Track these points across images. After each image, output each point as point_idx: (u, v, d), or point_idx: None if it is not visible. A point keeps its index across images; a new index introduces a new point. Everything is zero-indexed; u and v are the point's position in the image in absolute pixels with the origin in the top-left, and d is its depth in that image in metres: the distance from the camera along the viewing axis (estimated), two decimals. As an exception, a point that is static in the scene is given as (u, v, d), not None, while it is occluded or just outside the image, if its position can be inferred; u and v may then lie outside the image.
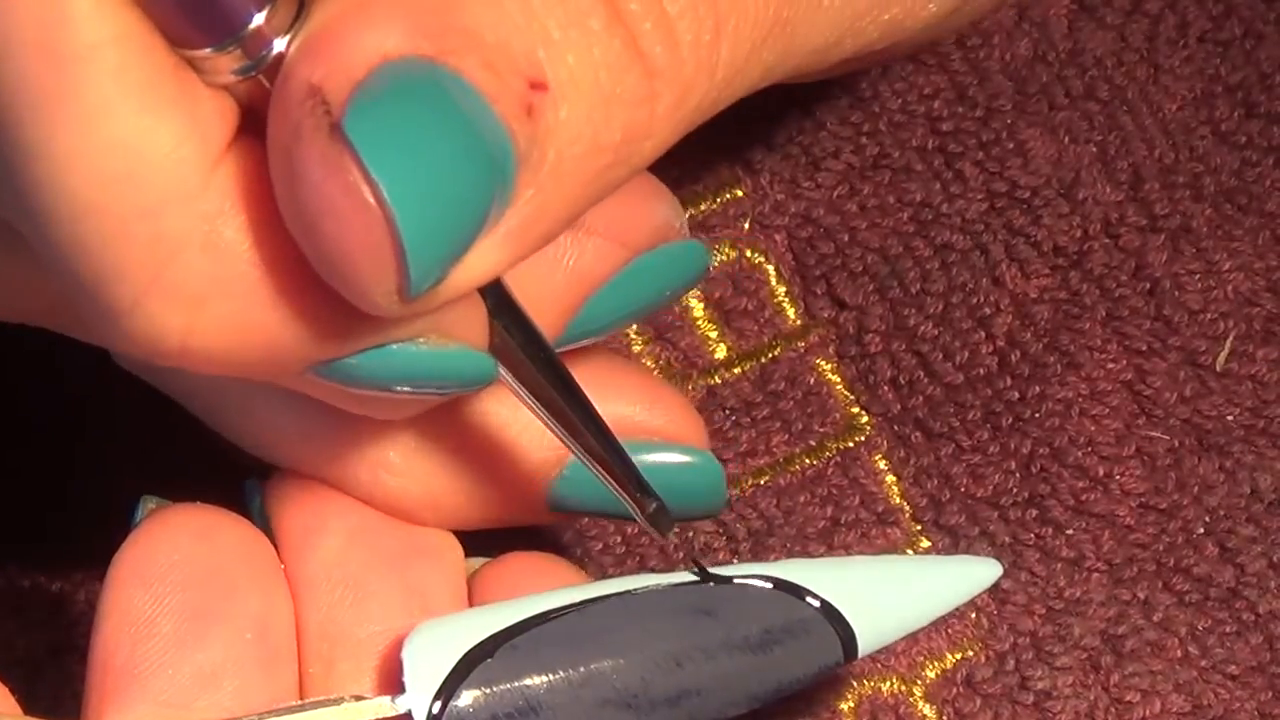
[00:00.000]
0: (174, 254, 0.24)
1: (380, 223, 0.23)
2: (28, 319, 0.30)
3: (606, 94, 0.24)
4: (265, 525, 0.31)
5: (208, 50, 0.24)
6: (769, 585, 0.31)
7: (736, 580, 0.31)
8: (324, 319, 0.25)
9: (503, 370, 0.28)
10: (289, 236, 0.24)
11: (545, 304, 0.30)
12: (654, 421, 0.33)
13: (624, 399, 0.33)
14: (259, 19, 0.24)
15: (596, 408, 0.29)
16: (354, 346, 0.26)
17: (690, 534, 0.38)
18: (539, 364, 0.28)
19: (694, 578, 0.31)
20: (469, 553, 0.32)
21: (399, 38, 0.23)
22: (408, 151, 0.23)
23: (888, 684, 0.38)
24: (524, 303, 0.28)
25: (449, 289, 0.24)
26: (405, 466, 0.31)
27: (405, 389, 0.27)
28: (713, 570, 0.31)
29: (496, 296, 0.27)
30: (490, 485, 0.32)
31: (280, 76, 0.24)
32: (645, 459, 0.32)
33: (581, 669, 0.30)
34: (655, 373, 0.39)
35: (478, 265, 0.24)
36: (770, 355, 0.40)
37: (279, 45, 0.24)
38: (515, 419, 0.31)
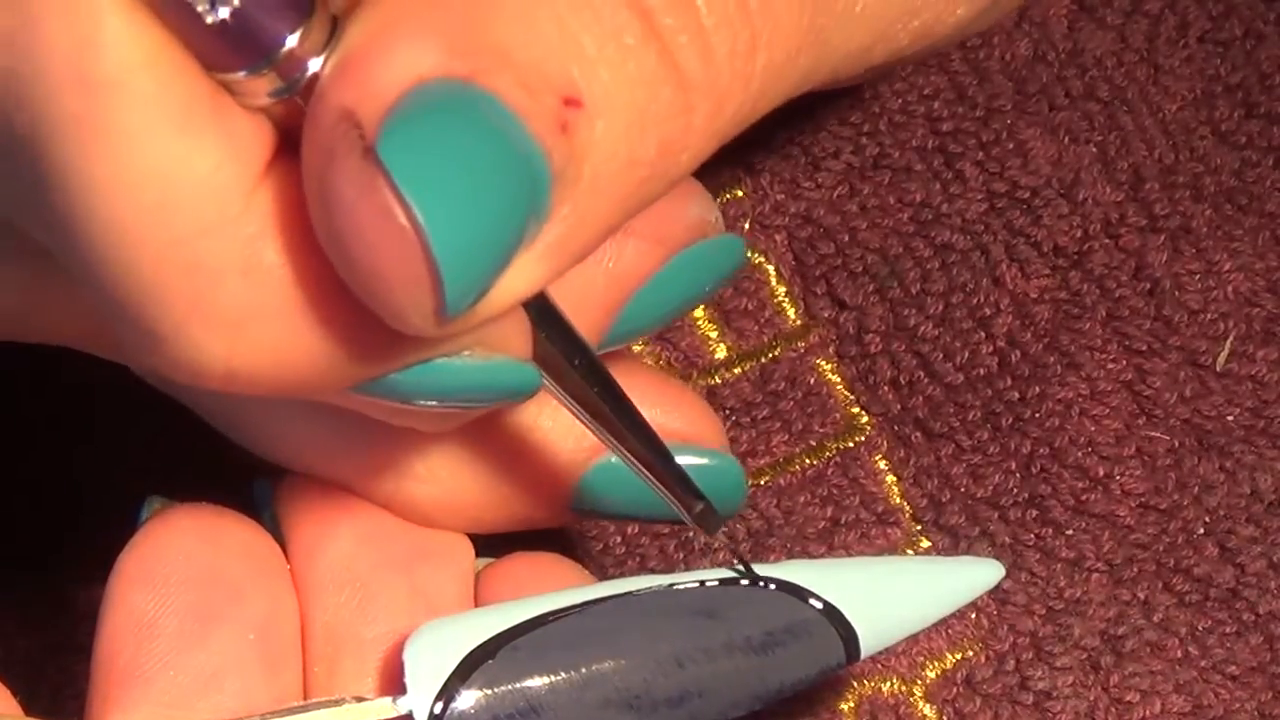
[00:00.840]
0: (214, 279, 0.24)
1: (414, 245, 0.23)
2: (69, 342, 0.30)
3: (642, 109, 0.24)
4: (275, 526, 0.31)
5: (242, 73, 0.24)
6: (771, 586, 0.31)
7: (738, 582, 0.31)
8: (366, 338, 0.25)
9: (547, 379, 0.28)
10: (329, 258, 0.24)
11: (587, 307, 0.30)
12: (672, 423, 0.33)
13: (642, 401, 0.32)
14: (292, 41, 0.23)
15: (641, 412, 0.29)
16: (397, 364, 0.26)
17: (690, 534, 0.38)
18: (583, 371, 0.28)
19: (694, 580, 0.31)
20: (474, 553, 0.32)
21: (432, 58, 0.23)
22: (441, 173, 0.23)
23: (888, 684, 0.38)
24: (566, 308, 0.28)
25: (488, 307, 0.24)
26: (430, 474, 0.31)
27: (450, 403, 0.27)
28: (717, 571, 0.31)
29: (539, 306, 0.27)
30: (513, 489, 0.32)
31: (313, 100, 0.23)
32: None
33: (583, 670, 0.30)
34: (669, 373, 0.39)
35: (516, 282, 0.24)
36: (770, 355, 0.40)
37: (314, 66, 0.24)
38: (539, 423, 0.31)
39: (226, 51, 0.23)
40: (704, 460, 0.33)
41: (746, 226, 0.41)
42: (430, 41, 0.23)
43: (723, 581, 0.31)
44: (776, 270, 0.40)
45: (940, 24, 0.30)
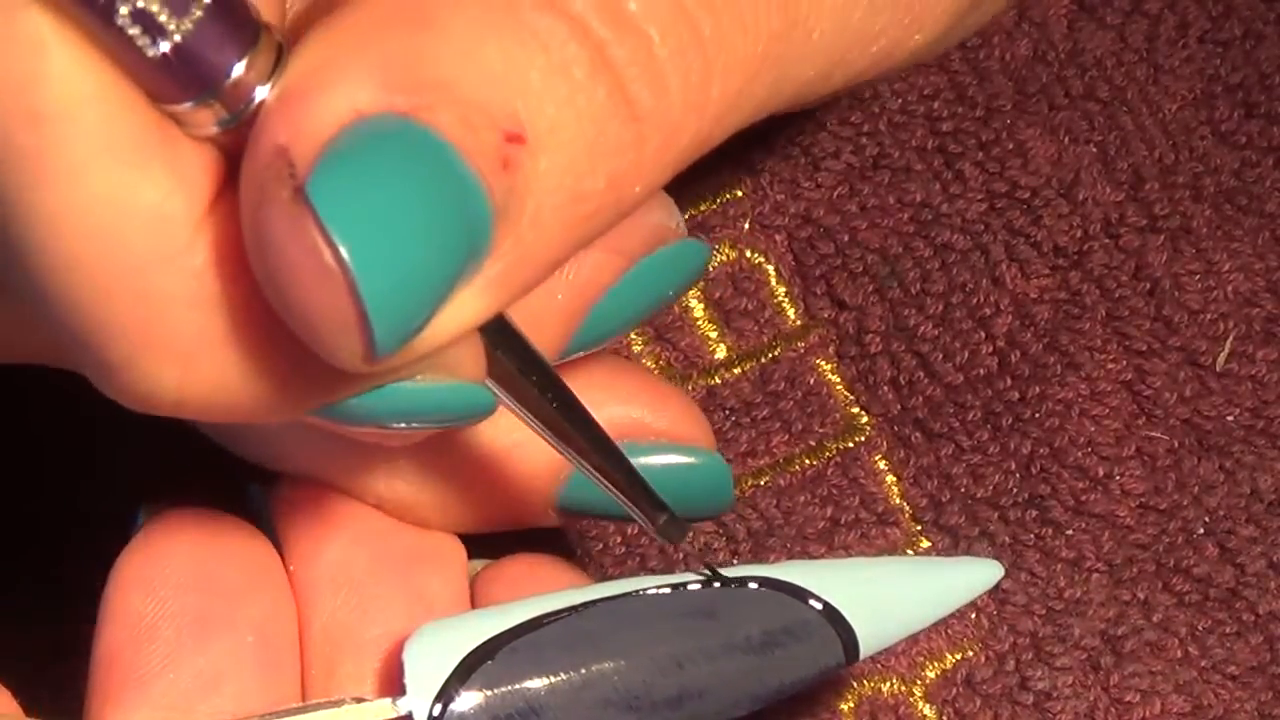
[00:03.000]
0: (163, 310, 0.24)
1: (342, 287, 0.22)
2: (35, 359, 0.30)
3: (589, 142, 0.24)
4: (270, 530, 0.31)
5: (187, 105, 0.24)
6: (770, 587, 0.31)
7: (738, 582, 0.31)
8: (312, 369, 0.25)
9: (505, 398, 0.28)
10: None
11: (548, 321, 0.30)
12: (659, 423, 0.33)
13: (629, 401, 0.33)
14: (237, 71, 0.23)
15: (601, 425, 0.29)
16: (345, 393, 0.26)
17: (690, 534, 0.38)
18: (542, 388, 0.28)
19: (697, 579, 0.31)
20: (471, 554, 0.32)
21: (371, 92, 0.23)
22: (372, 213, 0.22)
23: (888, 684, 0.38)
24: (526, 321, 0.28)
25: (426, 342, 0.24)
26: (418, 473, 0.31)
27: (403, 425, 0.26)
28: (721, 571, 0.31)
29: (494, 325, 0.27)
30: (500, 489, 0.32)
31: (251, 136, 0.23)
32: (651, 460, 0.32)
33: (582, 671, 0.30)
34: (654, 373, 0.39)
35: (456, 317, 0.24)
36: (770, 355, 0.40)
37: (260, 94, 0.24)
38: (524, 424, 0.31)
39: (170, 84, 0.23)
40: (690, 459, 0.33)
41: (746, 226, 0.41)
42: (370, 75, 0.23)
43: (701, 582, 0.31)
44: (776, 270, 0.40)
45: (899, 48, 0.29)
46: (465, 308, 0.24)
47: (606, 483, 0.29)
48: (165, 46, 0.23)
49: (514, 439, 0.31)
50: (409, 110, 0.23)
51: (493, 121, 0.23)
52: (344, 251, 0.22)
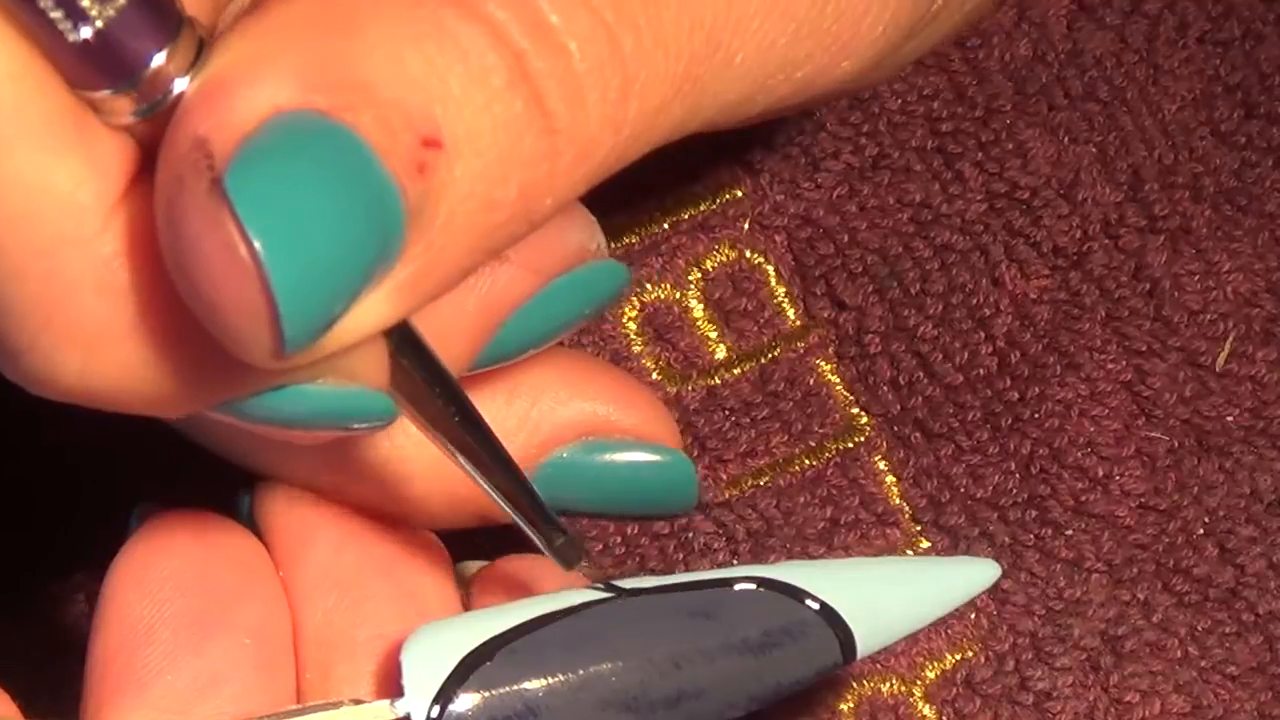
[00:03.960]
0: (70, 296, 0.24)
1: (254, 281, 0.22)
2: None
3: (504, 152, 0.24)
4: (256, 534, 0.31)
5: (105, 92, 0.24)
6: (767, 588, 0.31)
7: (735, 583, 0.31)
8: (217, 363, 0.25)
9: (406, 407, 0.28)
10: None
11: (456, 333, 0.30)
12: (625, 421, 0.33)
13: (595, 398, 0.33)
14: (157, 61, 0.23)
15: (501, 442, 0.29)
16: (248, 389, 0.26)
17: (689, 534, 0.38)
18: (444, 400, 0.28)
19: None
20: (467, 556, 0.32)
21: (292, 90, 0.23)
22: (288, 209, 0.23)
23: (888, 684, 0.38)
24: (435, 332, 0.28)
25: (334, 341, 0.24)
26: (389, 472, 0.31)
27: (303, 427, 0.26)
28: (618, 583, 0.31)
29: (400, 334, 0.27)
30: (466, 487, 0.32)
31: (170, 125, 0.23)
32: (616, 457, 0.33)
33: (580, 671, 0.30)
34: (654, 373, 0.39)
35: (364, 318, 0.24)
36: (770, 356, 0.40)
37: (179, 86, 0.24)
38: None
39: (89, 71, 0.23)
40: (655, 457, 0.33)
41: (746, 226, 0.41)
42: (292, 73, 0.23)
43: (591, 603, 0.30)
44: (776, 270, 0.40)
45: (824, 76, 0.29)
46: (374, 309, 0.24)
47: (504, 499, 0.29)
48: (87, 32, 0.23)
49: None
50: (328, 109, 0.23)
51: (411, 125, 0.23)
52: (258, 245, 0.22)
